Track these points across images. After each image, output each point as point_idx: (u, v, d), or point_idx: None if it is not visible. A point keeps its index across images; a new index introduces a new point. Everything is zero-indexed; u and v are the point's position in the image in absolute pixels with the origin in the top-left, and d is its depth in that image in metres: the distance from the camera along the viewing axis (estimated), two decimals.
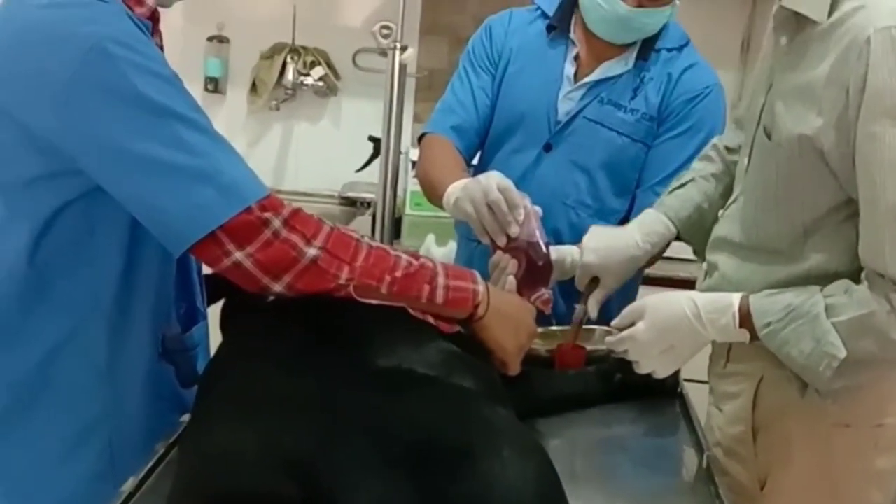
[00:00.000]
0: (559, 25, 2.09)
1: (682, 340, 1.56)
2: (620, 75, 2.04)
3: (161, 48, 1.45)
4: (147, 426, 1.47)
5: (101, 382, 1.42)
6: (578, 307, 1.79)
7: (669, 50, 2.06)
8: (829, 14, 1.43)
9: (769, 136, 1.52)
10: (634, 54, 2.04)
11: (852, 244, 1.44)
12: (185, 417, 1.43)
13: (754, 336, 1.51)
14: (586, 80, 2.05)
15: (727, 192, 1.78)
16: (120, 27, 1.30)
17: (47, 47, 1.27)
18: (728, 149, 1.85)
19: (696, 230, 1.83)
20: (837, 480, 1.60)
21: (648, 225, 1.84)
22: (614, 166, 2.05)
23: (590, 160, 2.05)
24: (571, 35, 2.08)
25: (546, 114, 2.07)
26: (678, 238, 1.87)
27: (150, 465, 1.35)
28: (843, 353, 1.40)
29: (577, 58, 2.07)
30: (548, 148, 2.08)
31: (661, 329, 1.56)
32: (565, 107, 2.06)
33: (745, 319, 1.51)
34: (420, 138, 2.20)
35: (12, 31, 1.32)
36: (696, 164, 1.90)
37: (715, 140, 1.91)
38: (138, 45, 1.29)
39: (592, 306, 1.79)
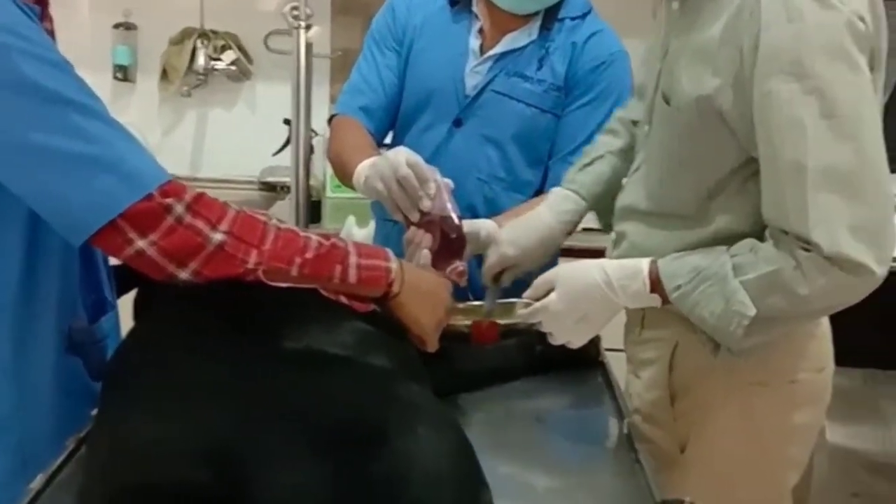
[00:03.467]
0: None
1: (595, 309, 1.56)
2: (525, 47, 2.04)
3: (52, 34, 1.41)
4: (58, 421, 1.43)
5: (6, 380, 1.38)
6: (488, 292, 1.79)
7: (573, 18, 2.06)
8: None
9: (668, 102, 1.52)
10: (538, 25, 2.04)
11: (756, 204, 1.45)
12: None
13: (665, 300, 1.51)
14: (491, 52, 2.05)
15: None
16: (5, 13, 1.26)
17: None
18: (633, 122, 1.84)
19: (608, 206, 1.81)
20: (756, 439, 1.62)
21: (559, 204, 1.84)
22: (525, 138, 2.05)
23: (500, 133, 2.06)
24: (474, 8, 2.08)
25: (454, 89, 2.06)
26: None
27: (61, 460, 1.32)
28: (752, 312, 1.41)
29: (481, 31, 2.07)
30: (458, 123, 2.07)
31: (574, 299, 1.56)
32: (472, 81, 2.06)
33: (656, 284, 1.51)
34: (330, 120, 2.18)
35: None
36: (603, 139, 1.90)
37: (618, 113, 1.90)
38: (26, 32, 1.25)
39: (508, 278, 1.79)
